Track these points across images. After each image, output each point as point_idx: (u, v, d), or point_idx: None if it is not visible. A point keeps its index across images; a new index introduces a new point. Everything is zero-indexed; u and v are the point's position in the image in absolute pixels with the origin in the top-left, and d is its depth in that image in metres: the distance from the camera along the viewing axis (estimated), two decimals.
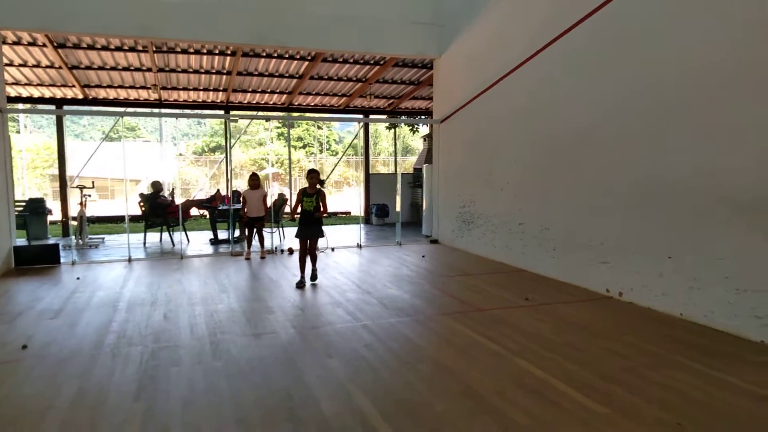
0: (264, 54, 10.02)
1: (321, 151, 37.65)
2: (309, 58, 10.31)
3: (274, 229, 9.55)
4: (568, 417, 3.02)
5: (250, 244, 8.65)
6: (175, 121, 34.97)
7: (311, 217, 6.42)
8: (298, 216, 6.60)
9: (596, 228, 6.11)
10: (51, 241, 10.49)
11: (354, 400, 3.26)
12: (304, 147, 36.54)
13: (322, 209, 6.42)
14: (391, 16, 9.20)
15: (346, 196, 28.57)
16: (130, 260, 8.42)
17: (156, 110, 12.90)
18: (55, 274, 7.40)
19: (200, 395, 3.34)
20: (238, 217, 9.76)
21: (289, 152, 13.56)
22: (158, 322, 4.99)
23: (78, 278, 7.01)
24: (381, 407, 3.15)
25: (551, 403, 3.20)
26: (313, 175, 6.49)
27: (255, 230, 8.62)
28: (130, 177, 31.42)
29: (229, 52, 9.84)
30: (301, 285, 6.41)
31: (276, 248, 9.30)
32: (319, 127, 36.73)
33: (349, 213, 18.13)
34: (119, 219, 16.21)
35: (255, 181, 8.57)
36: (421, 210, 12.81)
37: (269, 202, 9.35)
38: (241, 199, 8.58)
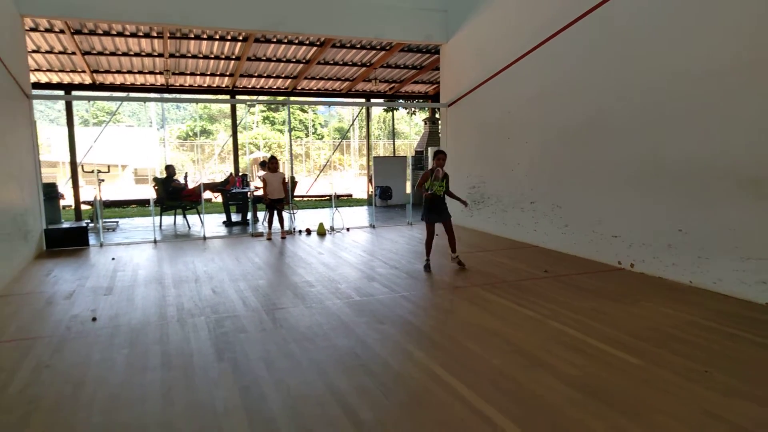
0: (275, 39, 10.23)
1: (307, 135, 37.72)
2: (318, 43, 10.55)
3: (295, 211, 9.84)
4: (609, 367, 3.45)
5: (271, 225, 8.97)
6: (156, 106, 34.57)
7: (441, 201, 6.24)
8: (426, 196, 6.25)
9: (607, 204, 6.54)
10: (65, 225, 10.69)
11: (415, 357, 3.66)
12: (290, 131, 36.56)
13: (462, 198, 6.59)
14: (400, 2, 9.46)
15: (340, 179, 28.84)
16: (155, 242, 8.70)
17: (167, 95, 13.04)
18: (87, 255, 7.67)
19: (277, 356, 3.71)
20: (258, 200, 10.06)
21: (290, 138, 13.82)
22: (209, 296, 5.34)
23: (113, 258, 7.30)
24: (441, 363, 3.55)
25: (591, 356, 3.63)
26: (440, 156, 6.16)
27: (276, 211, 8.93)
28: (120, 163, 31.34)
29: (241, 38, 10.05)
30: (428, 268, 6.28)
31: (294, 229, 9.63)
32: (304, 111, 36.72)
33: (351, 195, 18.46)
34: (124, 203, 16.37)
35: (274, 164, 8.87)
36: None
37: None
38: (262, 181, 8.87)
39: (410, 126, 36.29)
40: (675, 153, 5.60)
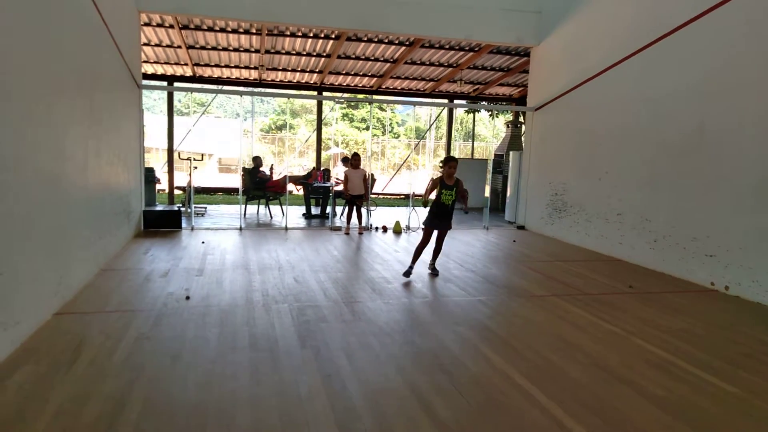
0: (365, 38, 10.45)
1: (384, 134, 38.03)
2: (407, 43, 10.66)
3: (374, 208, 10.01)
4: (700, 392, 3.29)
5: (349, 220, 9.19)
6: (240, 99, 36.18)
7: (448, 210, 5.98)
8: (431, 203, 6.01)
9: (703, 221, 6.18)
10: (159, 208, 11.47)
11: (492, 362, 3.65)
12: (367, 128, 36.98)
13: (465, 204, 6.10)
14: (492, 3, 9.37)
15: (413, 178, 28.78)
16: (240, 229, 9.16)
17: (258, 89, 13.66)
18: (180, 237, 8.21)
19: (357, 348, 3.83)
20: (339, 195, 10.34)
21: (369, 135, 14.07)
22: (291, 284, 5.57)
23: (203, 242, 7.77)
24: (519, 369, 3.52)
25: (679, 379, 3.47)
26: (452, 164, 5.86)
27: (355, 207, 9.14)
28: (207, 152, 33.07)
29: (333, 36, 10.34)
30: (408, 274, 6.01)
31: (371, 225, 9.81)
32: (383, 110, 37.01)
33: (417, 196, 18.48)
34: (211, 191, 17.31)
35: (357, 160, 9.07)
36: (500, 196, 13.01)
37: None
38: (344, 177, 9.10)
39: (488, 129, 35.74)
40: None
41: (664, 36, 6.77)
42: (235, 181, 22.79)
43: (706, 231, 6.14)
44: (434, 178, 6.02)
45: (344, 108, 36.44)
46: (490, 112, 18.06)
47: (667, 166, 6.78)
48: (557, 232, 9.32)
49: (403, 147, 36.61)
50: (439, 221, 6.03)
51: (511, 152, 12.14)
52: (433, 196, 6.07)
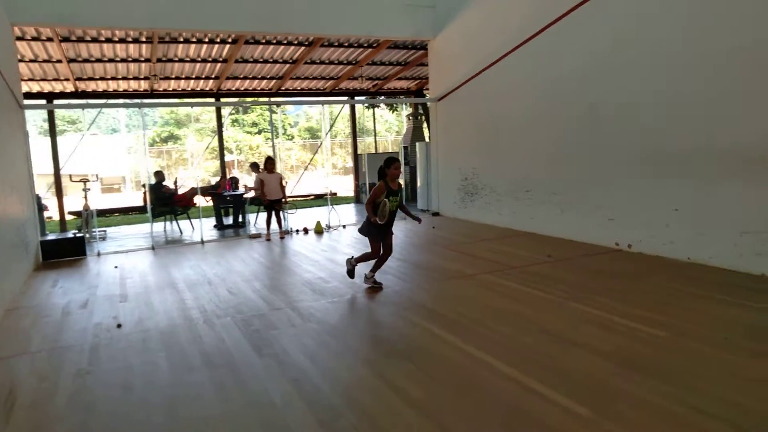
0: (264, 41, 10.24)
1: (277, 136, 37.41)
2: (306, 43, 10.60)
3: (294, 211, 9.82)
4: (638, 340, 3.66)
5: (269, 226, 9.01)
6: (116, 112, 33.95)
7: (394, 216, 5.29)
8: (382, 213, 5.06)
9: (601, 189, 6.80)
10: (52, 237, 10.52)
11: (449, 342, 3.79)
12: (259, 132, 36.04)
13: (409, 212, 5.38)
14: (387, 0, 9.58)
15: (314, 178, 28.63)
16: (153, 248, 8.65)
17: (150, 100, 12.90)
18: (87, 265, 7.59)
19: (316, 348, 3.82)
20: (257, 200, 10.08)
21: (273, 137, 13.85)
22: (227, 297, 5.39)
23: (116, 267, 7.26)
24: (477, 345, 3.70)
25: (618, 332, 3.83)
26: (397, 165, 5.20)
27: (274, 211, 8.97)
28: (89, 171, 30.72)
29: (230, 40, 10.03)
30: (377, 284, 5.44)
31: (291, 229, 9.68)
32: (274, 112, 36.48)
33: (334, 194, 18.52)
34: (106, 212, 16.12)
35: (272, 165, 8.90)
36: (409, 186, 13.37)
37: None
38: (258, 182, 8.90)
39: (381, 123, 36.25)
40: (670, 140, 5.87)
41: (553, 22, 7.32)
42: (124, 200, 21.40)
43: (605, 198, 6.77)
44: (377, 186, 5.14)
45: (233, 114, 35.31)
46: (390, 107, 18.41)
47: (567, 144, 7.36)
48: (471, 214, 9.77)
49: (297, 148, 36.21)
50: (385, 228, 5.29)
51: (417, 144, 12.51)
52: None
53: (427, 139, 14.59)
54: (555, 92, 7.47)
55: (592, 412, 2.71)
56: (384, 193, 5.07)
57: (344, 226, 9.99)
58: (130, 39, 9.36)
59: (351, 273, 5.51)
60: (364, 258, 5.45)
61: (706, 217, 5.55)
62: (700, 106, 5.54)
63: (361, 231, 5.42)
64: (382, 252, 5.34)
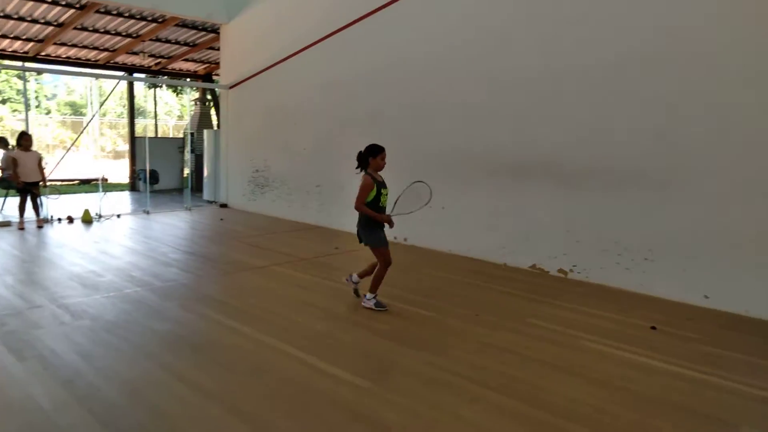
0: None
1: (29, 109, 32.14)
2: (78, 6, 9.32)
3: (57, 196, 8.49)
4: (410, 320, 4.17)
5: (23, 213, 7.71)
6: None
7: (384, 212, 4.58)
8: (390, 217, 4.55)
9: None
10: None
11: (241, 332, 3.83)
12: (4, 102, 30.53)
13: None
14: None
15: (77, 161, 25.21)
16: None
17: None
18: None
19: (91, 346, 3.49)
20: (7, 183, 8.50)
21: (27, 109, 11.83)
22: None
23: None
24: (269, 333, 3.81)
25: (398, 315, 4.31)
26: (383, 154, 4.52)
27: (31, 196, 7.71)
28: None
29: None
30: (380, 305, 4.47)
31: (51, 217, 8.44)
32: (27, 80, 31.39)
33: (106, 180, 16.60)
34: None
35: (28, 141, 7.63)
36: (194, 175, 12.76)
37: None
38: (9, 161, 7.56)
39: (160, 105, 33.66)
40: (433, 142, 6.73)
41: (345, 27, 7.75)
42: None
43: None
44: (365, 180, 4.40)
45: None
46: (174, 89, 17.17)
47: (356, 142, 7.86)
48: (260, 207, 9.77)
49: (55, 124, 31.54)
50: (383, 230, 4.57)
51: (205, 131, 11.98)
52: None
53: (215, 127, 14.07)
54: (345, 92, 7.92)
55: (373, 384, 3.04)
56: (373, 187, 4.38)
57: (118, 216, 9.09)
58: None
59: (357, 292, 4.81)
60: (378, 276, 4.47)
61: (463, 215, 6.53)
62: (465, 117, 6.48)
63: (367, 243, 4.55)
64: (390, 263, 4.52)
